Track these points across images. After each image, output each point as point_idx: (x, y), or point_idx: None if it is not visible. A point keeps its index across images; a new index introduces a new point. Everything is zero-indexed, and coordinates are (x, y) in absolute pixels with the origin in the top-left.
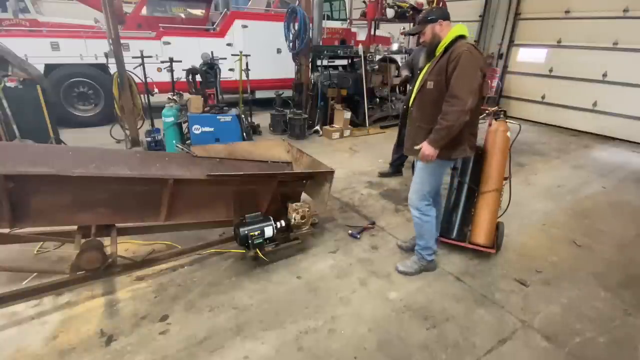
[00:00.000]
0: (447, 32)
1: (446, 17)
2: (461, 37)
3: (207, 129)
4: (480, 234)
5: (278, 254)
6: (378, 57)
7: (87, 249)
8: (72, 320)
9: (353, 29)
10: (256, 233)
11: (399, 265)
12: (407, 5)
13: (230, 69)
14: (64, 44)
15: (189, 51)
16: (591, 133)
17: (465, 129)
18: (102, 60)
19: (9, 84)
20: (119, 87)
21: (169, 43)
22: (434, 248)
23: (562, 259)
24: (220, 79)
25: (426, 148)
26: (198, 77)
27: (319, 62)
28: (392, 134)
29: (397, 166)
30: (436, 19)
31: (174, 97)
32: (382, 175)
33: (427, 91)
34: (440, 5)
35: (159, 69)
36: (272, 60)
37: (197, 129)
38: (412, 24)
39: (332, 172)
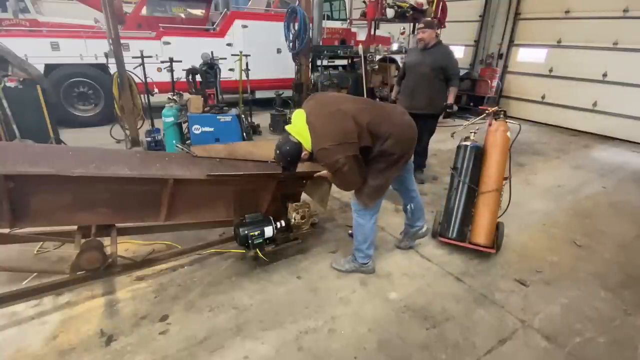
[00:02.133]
0: (305, 154)
1: (299, 147)
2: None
3: (207, 129)
4: (480, 234)
5: (278, 254)
6: (378, 57)
7: (87, 249)
8: (72, 320)
9: (353, 29)
10: (256, 233)
11: (333, 261)
12: (407, 5)
13: (230, 69)
14: (64, 44)
15: (189, 51)
16: (591, 133)
17: (395, 149)
18: (102, 60)
19: (9, 84)
20: (119, 87)
21: (169, 43)
22: (367, 252)
23: (562, 259)
24: (220, 79)
25: None
26: (198, 77)
27: (319, 62)
28: None
29: None
30: (298, 160)
31: (174, 97)
32: None
33: None
34: (440, 6)
35: (159, 69)
36: (272, 60)
37: (197, 129)
38: (412, 24)
39: None
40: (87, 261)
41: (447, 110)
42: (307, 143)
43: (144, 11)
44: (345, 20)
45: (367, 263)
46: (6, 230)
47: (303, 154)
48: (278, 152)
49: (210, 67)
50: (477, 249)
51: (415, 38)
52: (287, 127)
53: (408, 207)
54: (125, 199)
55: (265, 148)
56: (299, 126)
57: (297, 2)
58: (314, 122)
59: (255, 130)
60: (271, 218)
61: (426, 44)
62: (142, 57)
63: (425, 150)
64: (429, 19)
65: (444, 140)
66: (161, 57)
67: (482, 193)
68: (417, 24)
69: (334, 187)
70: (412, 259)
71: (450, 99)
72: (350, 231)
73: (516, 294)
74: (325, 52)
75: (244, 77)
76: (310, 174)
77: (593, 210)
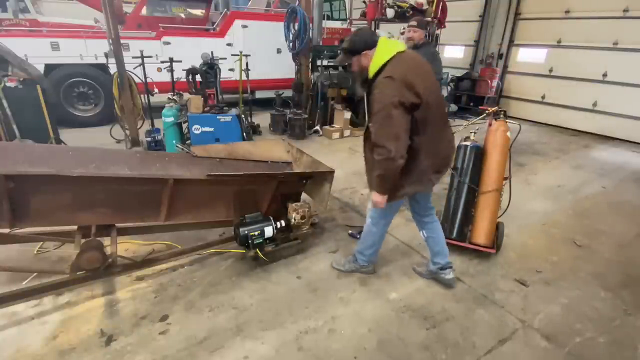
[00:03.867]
0: (362, 62)
1: (371, 44)
2: (388, 61)
3: (207, 129)
4: (481, 234)
5: (278, 254)
6: None
7: (87, 249)
8: (72, 320)
9: (353, 29)
10: (256, 233)
11: (333, 261)
12: (407, 5)
13: (230, 69)
14: (64, 44)
15: (189, 51)
16: (591, 133)
17: (422, 158)
18: (102, 60)
19: (9, 84)
20: (119, 87)
21: (169, 43)
22: (371, 258)
23: (562, 259)
24: (220, 79)
25: (374, 195)
26: (198, 77)
27: (319, 62)
28: None
29: None
30: (359, 50)
31: (174, 97)
32: None
33: (369, 134)
34: (440, 6)
35: (159, 69)
36: (272, 60)
37: (197, 129)
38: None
39: (332, 172)
40: (87, 261)
41: None
42: (377, 62)
43: (144, 11)
44: (345, 20)
45: (367, 265)
46: (6, 230)
47: (364, 59)
48: (355, 33)
49: (210, 67)
50: (477, 249)
51: (404, 36)
52: (382, 37)
53: (421, 233)
54: (125, 199)
55: (265, 148)
56: (389, 46)
57: (297, 2)
58: (404, 57)
59: (255, 130)
60: (271, 218)
61: (415, 44)
62: (142, 57)
63: None
64: (422, 18)
65: None
66: (161, 57)
67: (482, 193)
68: (409, 21)
69: (334, 187)
70: (411, 259)
71: None
72: (350, 231)
73: (516, 294)
74: (325, 52)
75: (244, 77)
76: (310, 174)
77: (593, 210)
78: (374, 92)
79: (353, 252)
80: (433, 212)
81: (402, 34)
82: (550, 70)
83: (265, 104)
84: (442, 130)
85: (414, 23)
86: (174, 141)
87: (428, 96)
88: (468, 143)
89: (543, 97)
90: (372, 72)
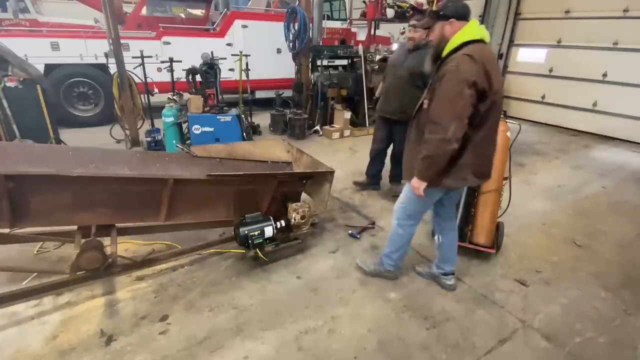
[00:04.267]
0: (441, 38)
1: (462, 16)
2: (470, 42)
3: (207, 129)
4: (481, 234)
5: (278, 254)
6: (378, 57)
7: (87, 249)
8: (72, 320)
9: (353, 29)
10: (256, 233)
11: (358, 259)
12: (407, 5)
13: (230, 69)
14: (64, 44)
15: (189, 51)
16: (591, 133)
17: (466, 153)
18: (102, 60)
19: (9, 84)
20: (119, 87)
21: (169, 43)
22: (397, 262)
23: (562, 259)
24: (220, 79)
25: (414, 180)
26: (198, 77)
27: (319, 62)
28: None
29: (373, 176)
30: (448, 16)
31: (174, 97)
32: (358, 185)
33: (424, 111)
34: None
35: (159, 69)
36: (272, 60)
37: (197, 129)
38: None
39: (332, 172)
40: (87, 261)
41: None
42: (461, 37)
43: (144, 11)
44: (345, 20)
45: (391, 270)
46: (6, 230)
47: (447, 34)
48: (450, 0)
49: (210, 67)
50: (477, 249)
51: (405, 36)
52: (476, 20)
53: (436, 237)
54: (125, 199)
55: (265, 148)
56: (478, 30)
57: (297, 2)
58: (486, 47)
59: (255, 130)
60: (271, 218)
61: (416, 44)
62: (142, 57)
63: (401, 160)
64: (423, 18)
65: None
66: (161, 57)
67: (482, 193)
68: (410, 21)
69: (334, 187)
70: (412, 259)
71: None
72: (350, 231)
73: (516, 294)
74: (325, 52)
75: (244, 77)
76: (310, 174)
77: (593, 210)
78: (448, 65)
79: (381, 255)
80: (455, 219)
81: (402, 34)
82: (550, 70)
83: (265, 104)
84: (492, 136)
85: (415, 23)
86: (174, 141)
87: (495, 94)
88: None
89: (543, 97)
90: (451, 46)
